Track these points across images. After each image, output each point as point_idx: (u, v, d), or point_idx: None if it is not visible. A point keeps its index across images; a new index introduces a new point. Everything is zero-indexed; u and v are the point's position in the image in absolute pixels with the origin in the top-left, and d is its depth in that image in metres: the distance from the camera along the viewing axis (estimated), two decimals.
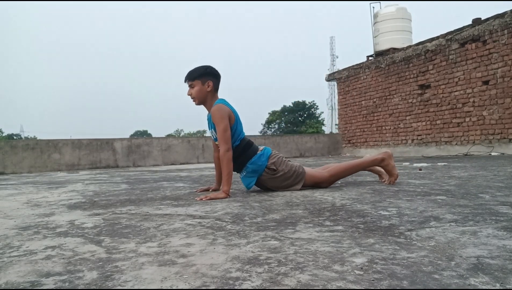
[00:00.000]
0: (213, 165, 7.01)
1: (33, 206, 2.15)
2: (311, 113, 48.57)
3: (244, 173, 2.42)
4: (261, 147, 2.48)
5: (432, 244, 1.03)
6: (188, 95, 2.42)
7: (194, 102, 2.43)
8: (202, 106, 2.46)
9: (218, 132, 2.27)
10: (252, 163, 2.37)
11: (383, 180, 2.75)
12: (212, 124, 2.38)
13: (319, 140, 10.93)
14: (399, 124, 9.28)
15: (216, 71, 2.44)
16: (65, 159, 7.73)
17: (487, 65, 7.21)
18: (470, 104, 7.57)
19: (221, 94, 2.48)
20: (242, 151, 2.36)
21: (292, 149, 10.18)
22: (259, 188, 2.51)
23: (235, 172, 2.42)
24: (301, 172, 2.44)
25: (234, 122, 2.34)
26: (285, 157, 2.54)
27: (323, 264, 0.88)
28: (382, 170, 2.78)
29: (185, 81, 2.42)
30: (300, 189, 2.41)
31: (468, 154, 7.23)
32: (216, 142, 2.41)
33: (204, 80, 2.37)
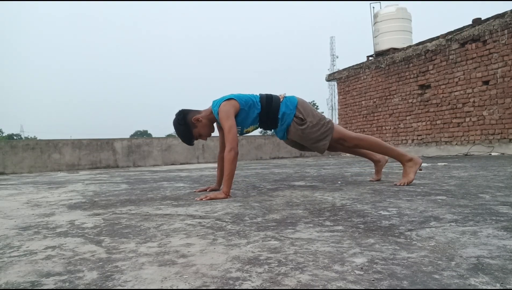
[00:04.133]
0: (213, 165, 7.02)
1: (33, 206, 2.15)
2: None
3: (278, 126, 2.40)
4: (282, 95, 2.44)
5: (432, 244, 1.03)
6: (205, 140, 2.48)
7: (210, 136, 2.45)
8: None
9: (224, 133, 2.24)
10: (281, 114, 2.35)
11: (372, 179, 2.77)
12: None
13: None
14: (399, 124, 9.28)
15: (182, 110, 2.38)
16: (65, 159, 7.73)
17: (487, 65, 7.21)
18: (470, 104, 7.57)
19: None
20: (267, 110, 2.34)
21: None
22: (288, 146, 2.48)
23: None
24: (330, 127, 2.41)
25: (240, 106, 2.29)
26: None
27: (323, 264, 0.88)
28: (381, 169, 2.80)
29: (191, 144, 2.45)
30: (301, 189, 2.41)
31: (468, 154, 7.22)
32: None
33: (192, 124, 2.34)
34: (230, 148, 2.19)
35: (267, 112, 2.36)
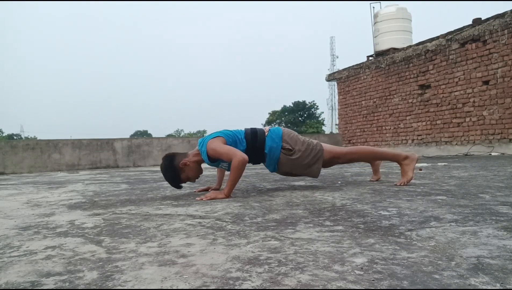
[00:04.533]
0: None
1: (33, 206, 2.15)
2: (311, 113, 48.58)
3: (267, 160, 2.39)
4: (266, 128, 2.43)
5: (432, 244, 1.03)
6: (194, 181, 2.45)
7: (198, 178, 2.42)
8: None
9: (227, 156, 2.18)
10: (268, 149, 2.34)
11: (372, 179, 2.78)
12: (210, 163, 2.32)
13: (319, 140, 10.84)
14: (399, 124, 9.29)
15: (168, 155, 2.37)
16: (65, 159, 7.73)
17: (487, 65, 7.21)
18: (470, 104, 7.57)
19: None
20: (252, 144, 2.32)
21: None
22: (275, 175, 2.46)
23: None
24: (319, 149, 2.41)
25: (226, 143, 2.28)
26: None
27: (323, 264, 0.88)
28: (378, 169, 2.80)
29: (180, 188, 2.43)
30: (301, 189, 2.41)
31: (468, 154, 7.22)
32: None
33: (180, 169, 2.32)
34: (238, 156, 2.14)
35: (253, 147, 2.33)
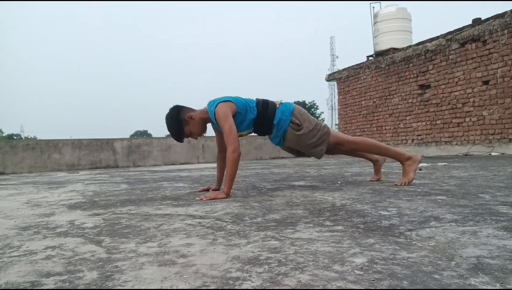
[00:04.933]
0: (213, 165, 7.02)
1: (33, 206, 2.15)
2: (311, 113, 48.47)
3: (274, 132, 2.40)
4: (278, 101, 2.43)
5: (432, 244, 1.03)
6: (196, 139, 2.44)
7: (201, 136, 2.42)
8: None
9: (224, 134, 2.21)
10: (277, 121, 2.35)
11: (372, 179, 2.78)
12: (217, 124, 2.33)
13: None
14: (399, 124, 9.28)
15: (176, 106, 2.36)
16: (65, 159, 7.73)
17: (487, 65, 7.21)
18: (470, 104, 7.57)
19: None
20: (263, 115, 2.33)
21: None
22: (283, 152, 2.48)
23: (266, 136, 2.44)
24: (326, 131, 2.42)
25: (237, 109, 2.28)
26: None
27: (323, 264, 0.88)
28: (380, 169, 2.80)
29: (181, 141, 2.41)
30: (301, 189, 2.41)
31: (468, 154, 7.22)
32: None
33: (185, 121, 2.32)
34: (233, 148, 2.16)
35: (262, 117, 2.34)
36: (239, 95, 2.41)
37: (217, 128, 2.42)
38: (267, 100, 2.43)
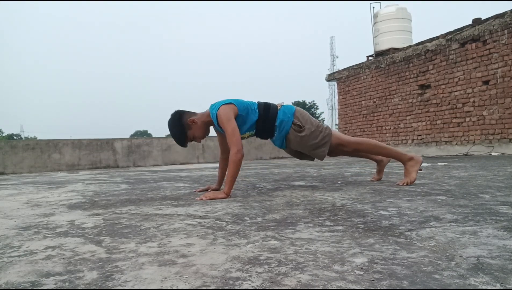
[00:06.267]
0: (213, 165, 7.02)
1: (33, 206, 2.15)
2: (311, 113, 48.51)
3: (276, 134, 2.40)
4: (279, 103, 2.44)
5: (432, 244, 1.03)
6: (199, 142, 2.46)
7: (204, 139, 2.42)
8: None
9: (227, 136, 2.21)
10: (279, 122, 2.35)
11: (373, 179, 2.78)
12: (220, 127, 2.33)
13: None
14: (399, 124, 9.29)
15: (178, 111, 2.36)
16: (65, 159, 7.73)
17: (487, 65, 7.21)
18: (470, 104, 7.57)
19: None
20: (265, 117, 2.33)
21: None
22: (285, 154, 2.47)
23: (268, 139, 2.45)
24: (328, 133, 2.42)
25: (238, 111, 2.28)
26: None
27: (323, 264, 0.88)
28: (383, 169, 2.80)
29: (185, 146, 2.41)
30: (301, 188, 2.41)
31: (468, 154, 7.22)
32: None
33: (187, 126, 2.31)
34: (236, 150, 2.16)
35: (264, 119, 2.34)
36: (240, 98, 2.41)
37: (220, 131, 2.41)
38: (268, 102, 2.43)
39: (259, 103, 2.41)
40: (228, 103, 2.30)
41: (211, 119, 2.33)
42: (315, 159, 2.58)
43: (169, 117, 2.38)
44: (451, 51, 7.88)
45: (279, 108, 2.40)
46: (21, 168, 7.34)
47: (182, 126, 2.32)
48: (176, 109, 2.41)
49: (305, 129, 2.36)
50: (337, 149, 2.52)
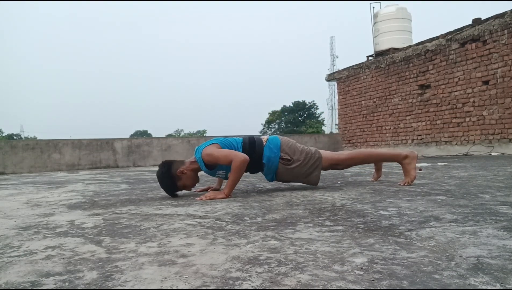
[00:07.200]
0: None
1: (33, 206, 2.15)
2: (311, 113, 48.61)
3: (265, 170, 2.39)
4: (264, 137, 2.43)
5: (432, 244, 1.03)
6: (190, 190, 2.44)
7: (194, 186, 2.41)
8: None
9: (227, 159, 2.18)
10: (266, 159, 2.33)
11: (373, 179, 2.78)
12: (209, 171, 2.31)
13: (319, 140, 10.94)
14: (399, 124, 9.29)
15: (165, 162, 2.34)
16: (65, 159, 7.73)
17: (487, 65, 7.21)
18: (470, 104, 7.57)
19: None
20: (250, 154, 2.29)
21: None
22: (268, 182, 2.42)
23: (257, 173, 2.42)
24: (318, 157, 2.40)
25: (222, 147, 2.28)
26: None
27: (323, 264, 0.88)
28: (381, 167, 2.80)
29: (175, 196, 2.35)
30: (302, 189, 2.41)
31: (468, 154, 7.23)
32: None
33: (177, 177, 2.29)
34: (239, 157, 2.15)
35: (250, 156, 2.28)
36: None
37: (210, 174, 2.38)
38: (253, 137, 2.41)
39: (244, 141, 2.37)
40: (211, 144, 2.30)
41: (198, 165, 2.31)
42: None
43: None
44: (451, 51, 7.88)
45: (264, 143, 2.37)
46: (21, 168, 7.34)
47: (172, 178, 2.29)
48: (163, 160, 2.41)
49: (294, 161, 2.35)
50: (331, 168, 2.52)
